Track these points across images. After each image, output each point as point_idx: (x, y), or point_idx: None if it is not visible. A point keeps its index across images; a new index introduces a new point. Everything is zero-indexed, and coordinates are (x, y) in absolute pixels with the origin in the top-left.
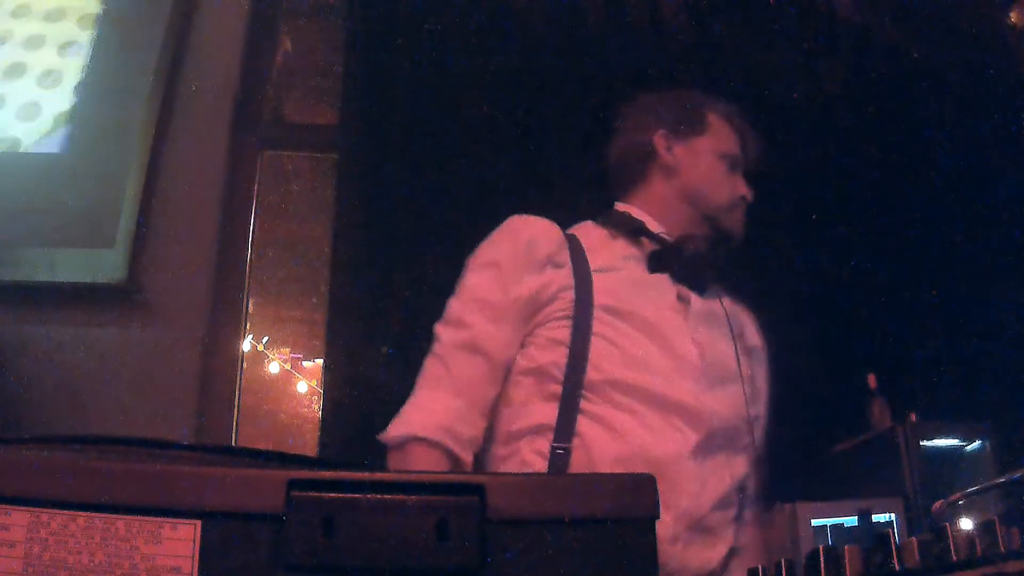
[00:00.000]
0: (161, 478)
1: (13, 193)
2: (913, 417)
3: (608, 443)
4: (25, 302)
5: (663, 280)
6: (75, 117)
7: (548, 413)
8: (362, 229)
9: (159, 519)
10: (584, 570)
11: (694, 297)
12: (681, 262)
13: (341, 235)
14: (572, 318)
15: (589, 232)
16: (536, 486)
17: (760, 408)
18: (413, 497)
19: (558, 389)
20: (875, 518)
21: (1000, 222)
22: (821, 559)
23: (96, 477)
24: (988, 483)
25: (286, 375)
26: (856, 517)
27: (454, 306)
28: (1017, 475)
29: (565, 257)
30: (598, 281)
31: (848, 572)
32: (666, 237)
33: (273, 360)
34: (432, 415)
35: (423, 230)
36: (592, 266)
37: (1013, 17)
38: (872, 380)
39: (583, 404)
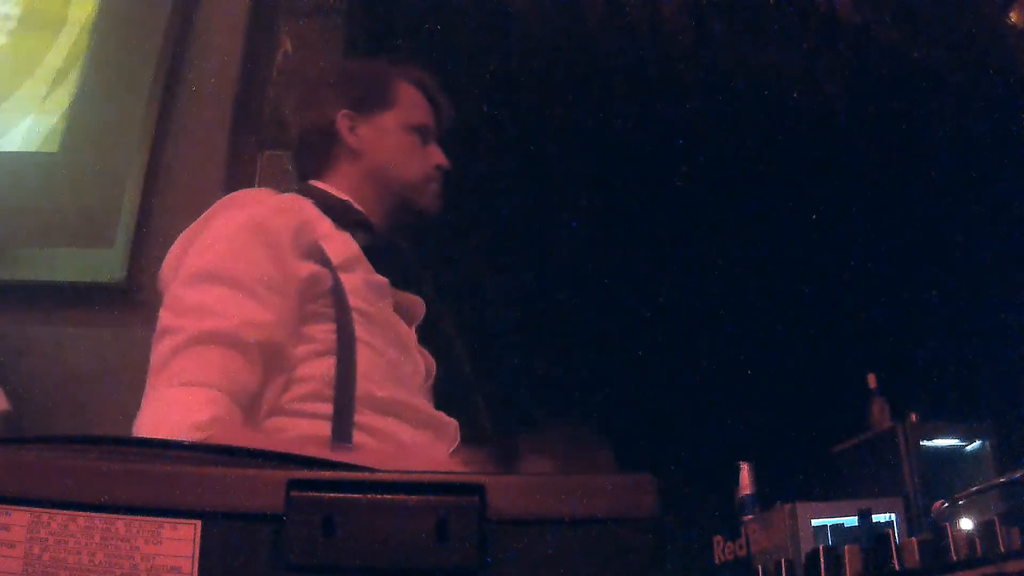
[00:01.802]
0: (161, 478)
1: (13, 193)
2: (913, 417)
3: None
4: (25, 302)
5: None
6: (75, 117)
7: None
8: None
9: (159, 519)
10: (584, 570)
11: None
12: (401, 266)
13: None
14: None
15: (309, 211)
16: (536, 486)
17: None
18: (413, 497)
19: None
20: (875, 518)
21: (1000, 222)
22: (821, 559)
23: (96, 477)
24: (988, 483)
25: None
26: (856, 517)
27: None
28: (1017, 475)
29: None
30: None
31: (848, 572)
32: (375, 227)
33: None
34: None
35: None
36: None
37: (1013, 17)
38: (872, 380)
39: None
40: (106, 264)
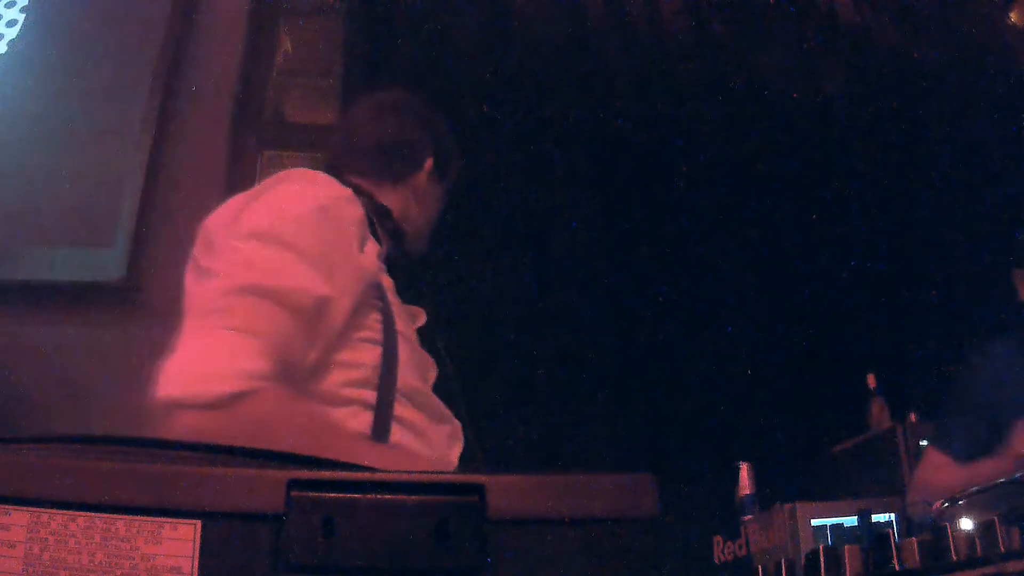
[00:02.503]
0: (161, 478)
1: (13, 193)
2: (913, 417)
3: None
4: (25, 302)
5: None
6: (75, 117)
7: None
8: None
9: (159, 519)
10: (584, 570)
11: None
12: (408, 277)
13: None
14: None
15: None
16: (536, 486)
17: None
18: (413, 497)
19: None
20: (875, 518)
21: (1000, 222)
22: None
23: (96, 477)
24: (988, 483)
25: None
26: (856, 517)
27: None
28: (1017, 475)
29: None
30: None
31: (848, 572)
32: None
33: None
34: None
35: None
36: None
37: (1013, 17)
38: (872, 380)
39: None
40: (106, 264)
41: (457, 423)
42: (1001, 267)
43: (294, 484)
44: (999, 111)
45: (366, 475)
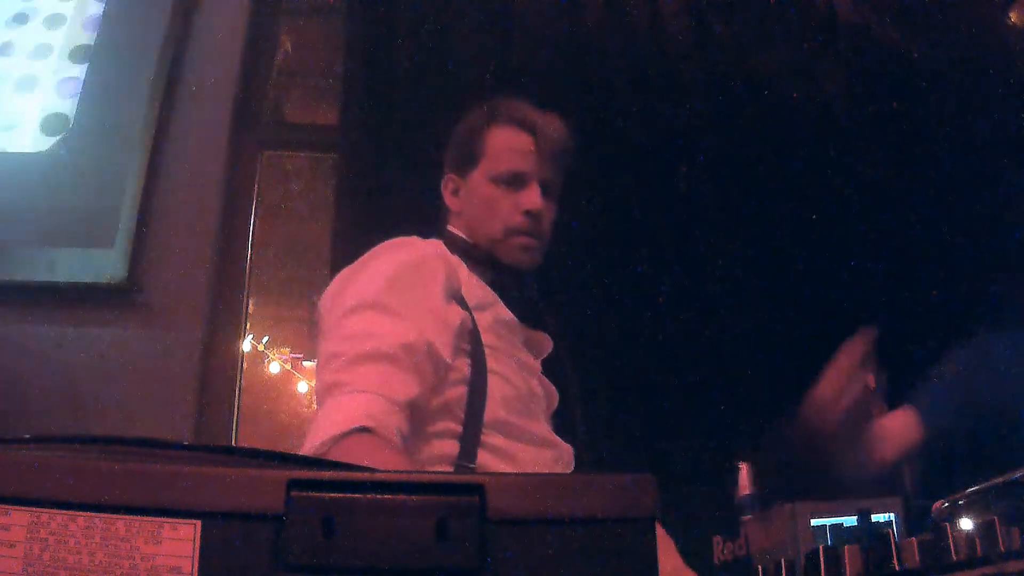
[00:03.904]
0: (161, 478)
1: (13, 193)
2: None
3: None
4: (25, 302)
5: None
6: (75, 117)
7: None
8: (362, 229)
9: (159, 519)
10: (584, 570)
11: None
12: (526, 300)
13: (341, 235)
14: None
15: (451, 256)
16: (536, 486)
17: None
18: (413, 497)
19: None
20: (875, 518)
21: (1000, 222)
22: (821, 559)
23: (96, 477)
24: (988, 483)
25: (286, 375)
26: (856, 517)
27: None
28: (1017, 475)
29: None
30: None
31: (848, 572)
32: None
33: (273, 360)
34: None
35: (423, 230)
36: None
37: (1013, 17)
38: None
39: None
40: (106, 264)
41: (566, 447)
42: (1001, 267)
43: (294, 484)
44: (999, 111)
45: (366, 475)
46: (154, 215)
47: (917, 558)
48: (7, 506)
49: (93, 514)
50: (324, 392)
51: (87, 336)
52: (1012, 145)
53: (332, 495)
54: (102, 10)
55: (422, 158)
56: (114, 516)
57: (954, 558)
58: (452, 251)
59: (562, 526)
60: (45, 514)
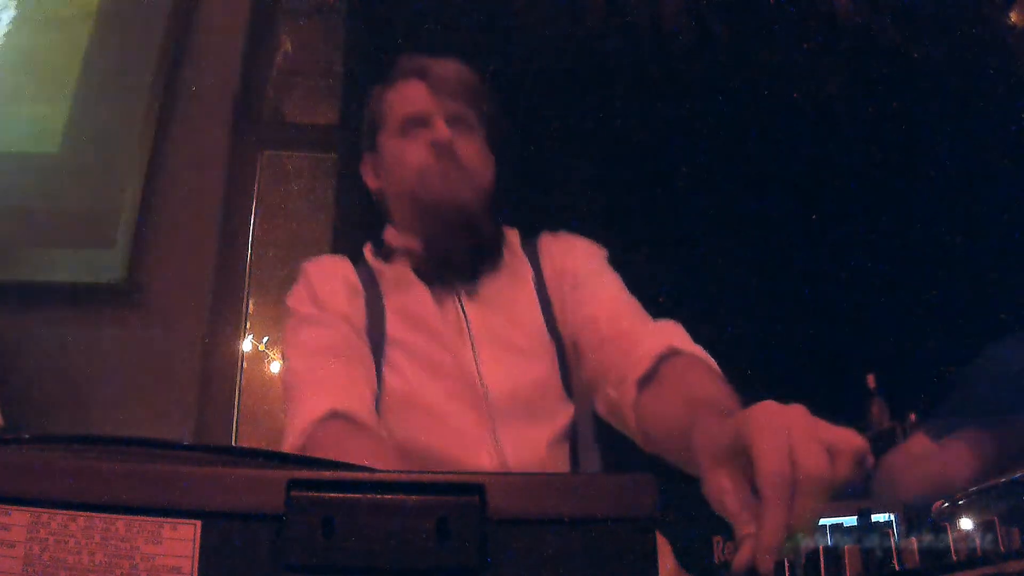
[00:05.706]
0: (161, 478)
1: (13, 193)
2: (913, 417)
3: None
4: (25, 302)
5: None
6: (75, 117)
7: None
8: (362, 229)
9: (159, 519)
10: (584, 570)
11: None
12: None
13: (341, 235)
14: None
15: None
16: (536, 486)
17: None
18: (413, 497)
19: None
20: (875, 518)
21: (1000, 222)
22: (821, 559)
23: (96, 477)
24: (988, 483)
25: None
26: (856, 517)
27: None
28: (1017, 475)
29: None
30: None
31: (848, 572)
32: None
33: (273, 360)
34: None
35: None
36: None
37: (1013, 17)
38: (872, 380)
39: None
40: (106, 264)
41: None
42: (1001, 267)
43: (294, 484)
44: (999, 111)
45: (366, 475)
46: (154, 215)
47: (917, 558)
48: (7, 506)
49: (93, 514)
50: (289, 390)
51: (87, 336)
52: (1012, 145)
53: (332, 495)
54: (102, 9)
55: None
56: (114, 516)
57: (954, 558)
58: (374, 255)
59: (562, 526)
60: (45, 514)
